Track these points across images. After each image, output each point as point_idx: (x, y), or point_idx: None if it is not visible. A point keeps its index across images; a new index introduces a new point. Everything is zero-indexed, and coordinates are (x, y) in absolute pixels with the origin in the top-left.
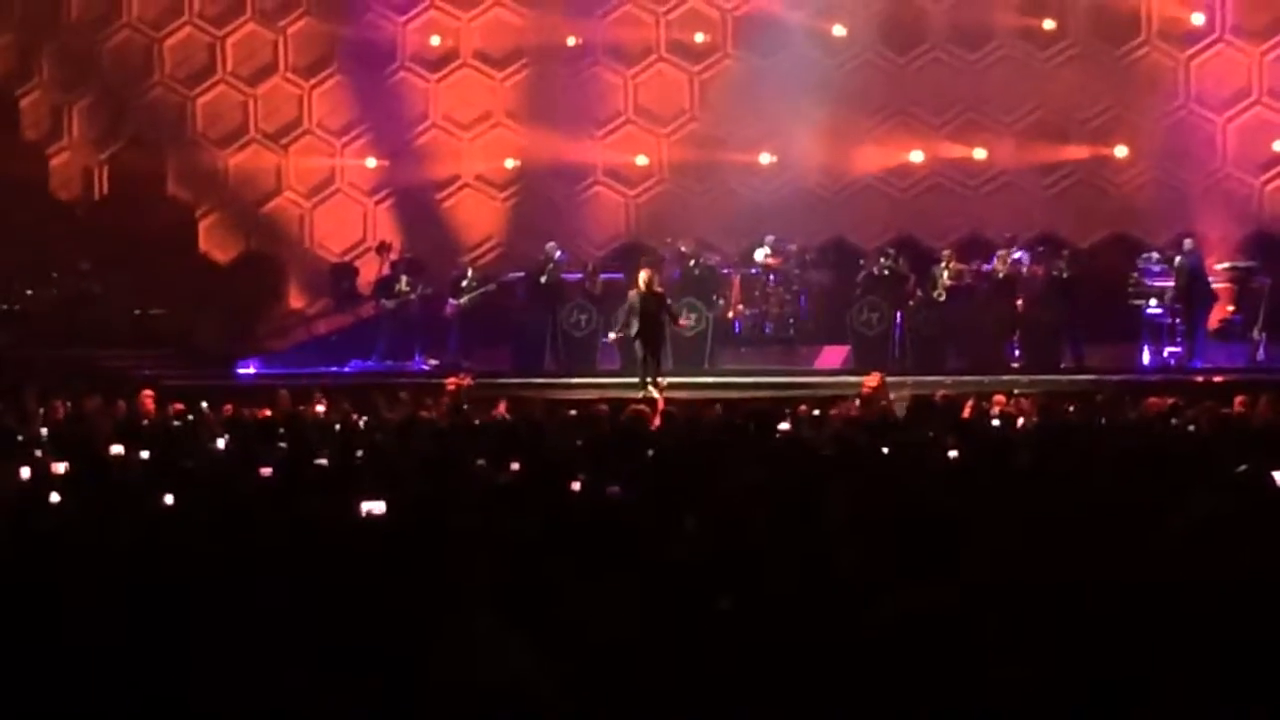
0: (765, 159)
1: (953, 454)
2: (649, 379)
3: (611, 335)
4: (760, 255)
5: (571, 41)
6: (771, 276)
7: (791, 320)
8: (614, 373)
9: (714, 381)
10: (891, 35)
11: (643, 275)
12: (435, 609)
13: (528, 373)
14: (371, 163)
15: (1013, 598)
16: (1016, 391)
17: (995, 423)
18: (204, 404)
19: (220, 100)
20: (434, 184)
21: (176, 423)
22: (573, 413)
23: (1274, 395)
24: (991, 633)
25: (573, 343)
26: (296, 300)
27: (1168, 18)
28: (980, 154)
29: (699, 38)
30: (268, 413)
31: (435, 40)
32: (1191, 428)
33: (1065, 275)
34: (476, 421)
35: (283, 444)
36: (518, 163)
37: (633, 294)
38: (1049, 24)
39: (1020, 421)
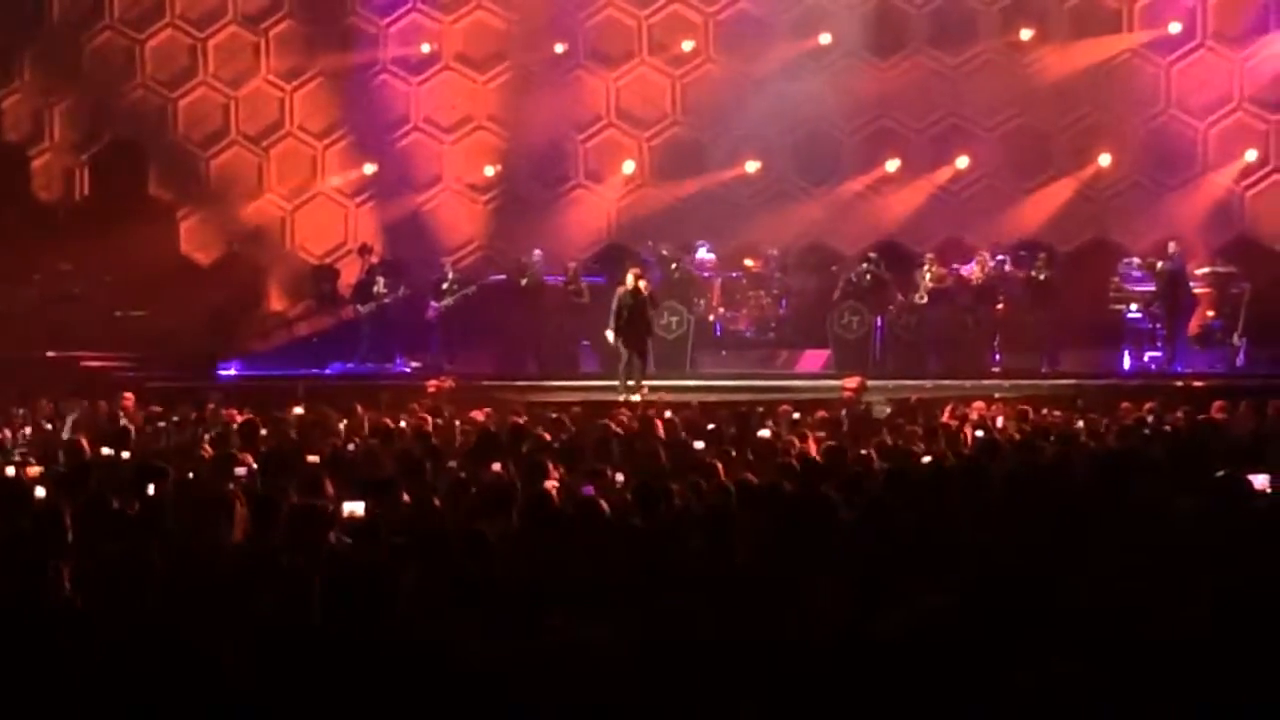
0: (746, 163)
1: (926, 459)
2: (631, 381)
3: (610, 335)
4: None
5: (558, 49)
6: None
7: (772, 323)
8: (595, 375)
9: (694, 384)
10: (874, 40)
11: (630, 275)
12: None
13: (509, 375)
14: (369, 169)
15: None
16: (997, 396)
17: (979, 432)
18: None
19: (202, 102)
20: (415, 186)
21: (162, 424)
22: (554, 415)
23: (1253, 401)
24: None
25: (554, 345)
26: (278, 302)
27: (1149, 24)
28: (962, 160)
29: (686, 46)
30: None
31: (426, 48)
32: (1167, 427)
33: (1042, 277)
34: (457, 424)
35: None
36: (499, 167)
37: (620, 291)
38: (1026, 34)
39: (1000, 423)
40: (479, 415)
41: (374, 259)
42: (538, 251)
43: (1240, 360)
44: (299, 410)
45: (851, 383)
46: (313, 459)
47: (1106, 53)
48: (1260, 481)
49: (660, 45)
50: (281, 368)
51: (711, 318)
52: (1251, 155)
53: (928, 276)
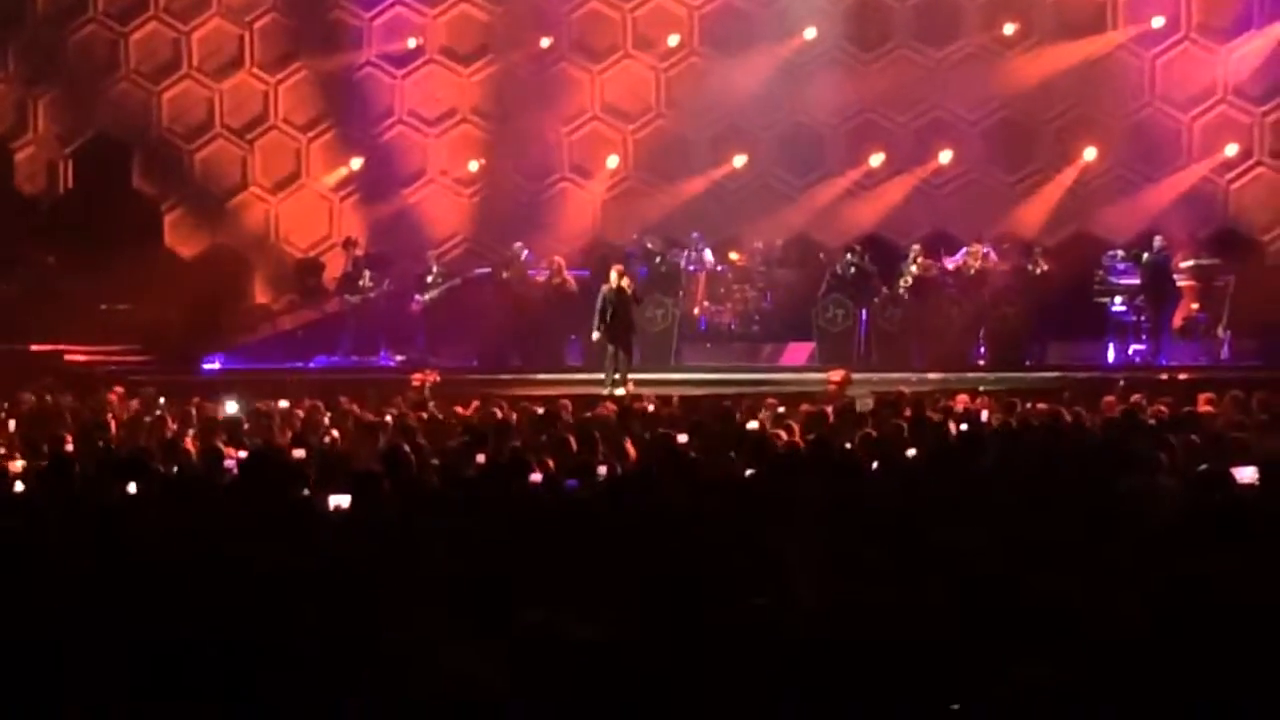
0: (730, 156)
1: (910, 452)
2: (617, 376)
3: (595, 335)
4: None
5: (544, 43)
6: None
7: (757, 317)
8: (580, 369)
9: (679, 378)
10: (857, 34)
11: (614, 272)
12: (397, 605)
13: (494, 369)
14: (356, 163)
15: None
16: (982, 389)
17: (963, 425)
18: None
19: (186, 95)
20: (400, 180)
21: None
22: (539, 410)
23: (1237, 393)
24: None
25: (539, 339)
26: (262, 295)
27: (1133, 16)
28: (946, 153)
29: (672, 41)
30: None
31: (412, 43)
32: (1152, 422)
33: (1039, 271)
34: (441, 417)
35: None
36: (483, 160)
37: (604, 289)
38: (1009, 28)
39: (985, 416)
40: (463, 409)
41: (358, 252)
42: (519, 244)
43: (1225, 353)
44: (284, 404)
45: (836, 376)
46: (298, 453)
47: (1090, 46)
48: (1248, 474)
49: (644, 38)
50: (266, 361)
51: (696, 311)
52: (1232, 150)
53: (913, 268)
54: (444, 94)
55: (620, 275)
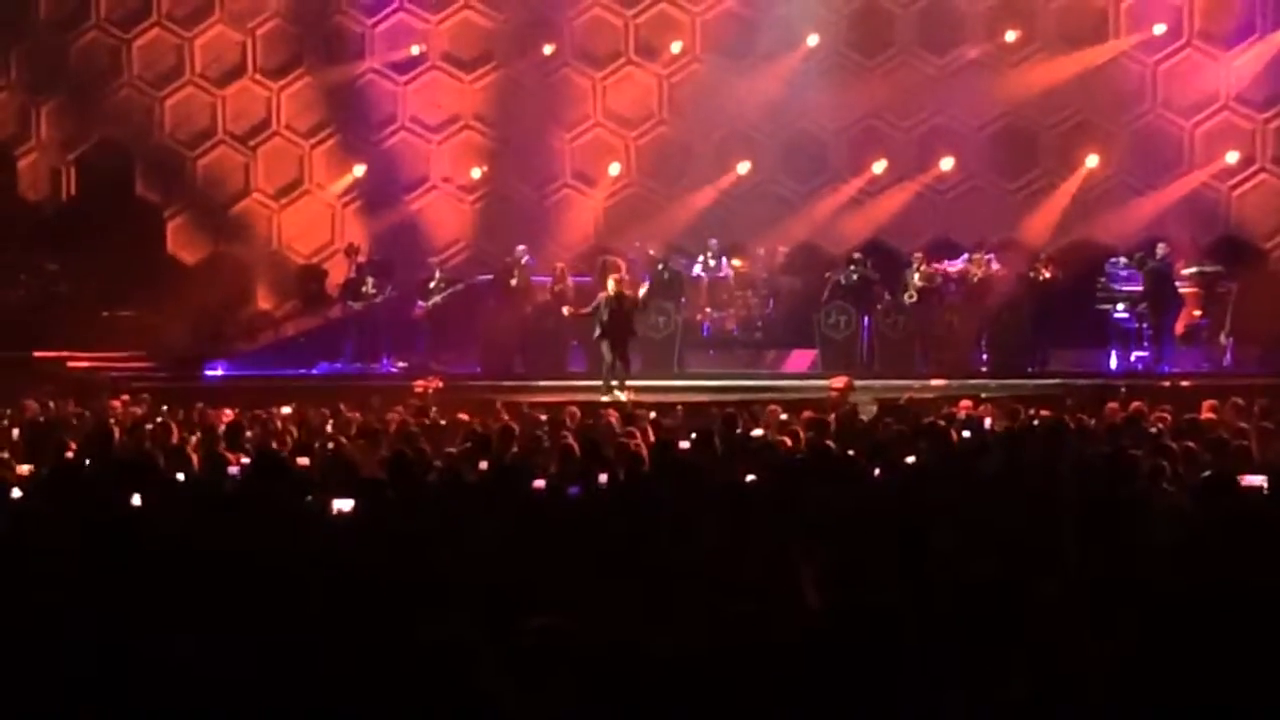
0: (733, 163)
1: (910, 459)
2: (614, 382)
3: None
4: (701, 264)
5: (547, 50)
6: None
7: (759, 324)
8: (582, 376)
9: (682, 385)
10: (860, 40)
11: (611, 280)
12: (407, 609)
13: (496, 376)
14: (359, 170)
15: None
16: (984, 396)
17: (966, 432)
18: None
19: (188, 101)
20: (403, 186)
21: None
22: (542, 416)
23: (1239, 400)
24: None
25: (541, 346)
26: (265, 302)
27: (1135, 23)
28: (948, 160)
29: (675, 48)
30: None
31: (416, 50)
32: (1155, 429)
33: (1041, 278)
34: (444, 424)
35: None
36: (485, 167)
37: (601, 296)
38: (1011, 35)
39: (988, 423)
40: (466, 416)
41: (361, 259)
42: (521, 248)
43: (1227, 359)
44: (286, 410)
45: (838, 382)
46: (302, 460)
47: (1092, 53)
48: (1257, 481)
49: (647, 45)
50: (268, 368)
51: (699, 318)
52: (1233, 157)
53: (916, 276)
54: (446, 100)
55: (619, 283)
